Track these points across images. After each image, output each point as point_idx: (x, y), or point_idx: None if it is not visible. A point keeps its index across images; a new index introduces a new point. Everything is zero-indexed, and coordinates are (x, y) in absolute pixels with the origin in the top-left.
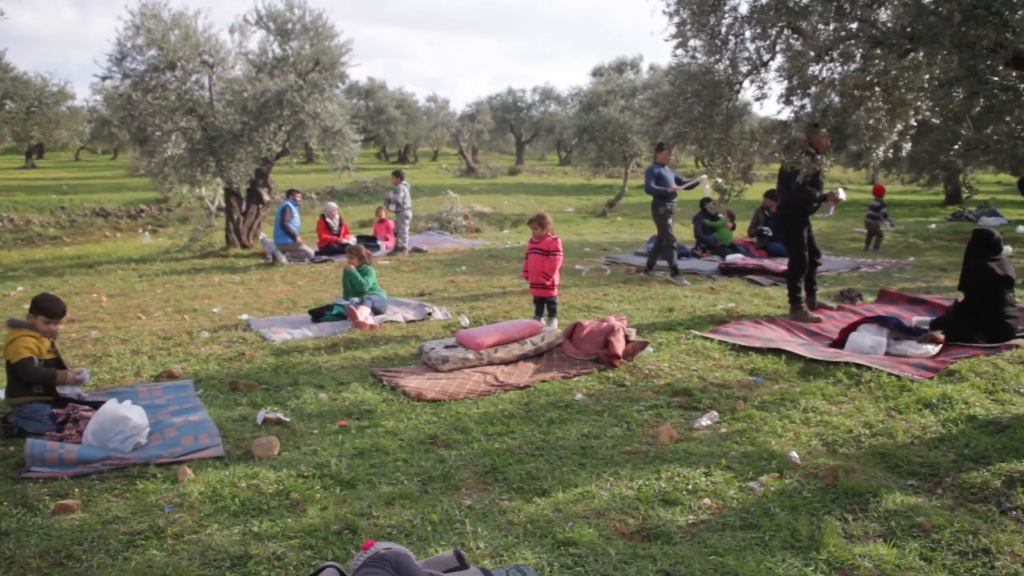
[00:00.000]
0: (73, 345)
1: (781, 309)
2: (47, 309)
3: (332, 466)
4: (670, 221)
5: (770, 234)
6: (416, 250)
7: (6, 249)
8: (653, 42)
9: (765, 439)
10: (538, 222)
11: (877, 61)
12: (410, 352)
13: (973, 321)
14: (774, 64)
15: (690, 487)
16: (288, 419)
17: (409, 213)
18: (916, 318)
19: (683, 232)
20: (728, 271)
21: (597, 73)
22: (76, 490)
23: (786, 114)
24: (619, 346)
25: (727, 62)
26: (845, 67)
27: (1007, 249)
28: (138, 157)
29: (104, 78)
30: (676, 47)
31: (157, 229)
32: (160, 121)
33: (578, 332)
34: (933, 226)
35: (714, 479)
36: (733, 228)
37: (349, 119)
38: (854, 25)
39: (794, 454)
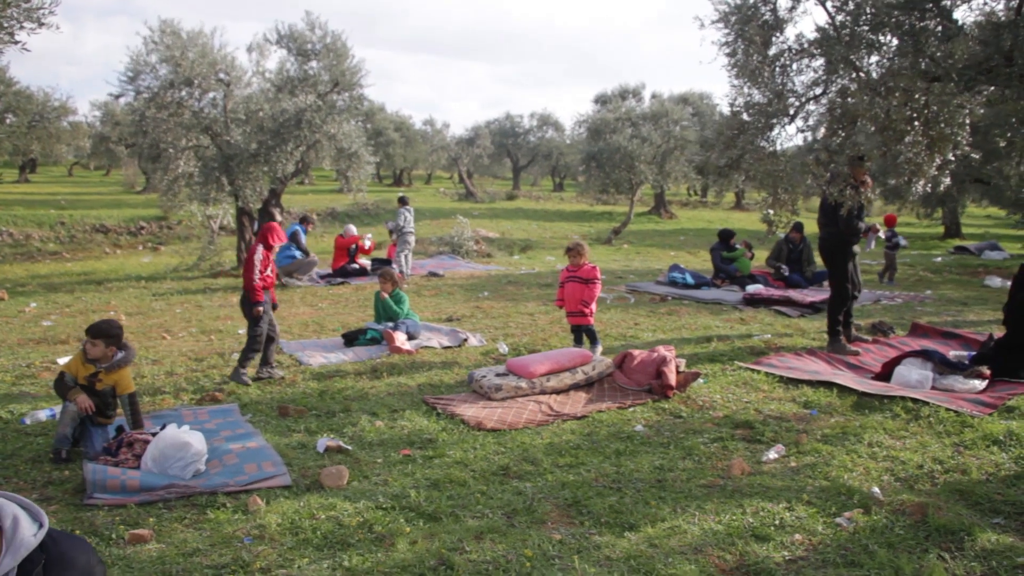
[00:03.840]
0: None
1: (816, 341)
2: (88, 328)
3: (412, 498)
4: None
5: (786, 273)
6: (432, 274)
7: (7, 264)
8: (652, 70)
9: (838, 474)
10: (576, 251)
11: (918, 96)
12: (455, 379)
13: (1018, 356)
14: (823, 97)
15: (777, 522)
16: (350, 448)
17: (410, 239)
18: (953, 352)
19: (692, 261)
20: (754, 302)
21: (601, 100)
22: (151, 519)
23: (831, 147)
24: (672, 377)
25: (774, 94)
26: (887, 101)
27: None
28: (135, 174)
29: (118, 96)
30: (734, 77)
31: (158, 247)
32: (173, 138)
33: (628, 362)
34: (939, 259)
35: (798, 514)
36: (751, 258)
37: (364, 141)
38: (906, 60)
39: (876, 490)
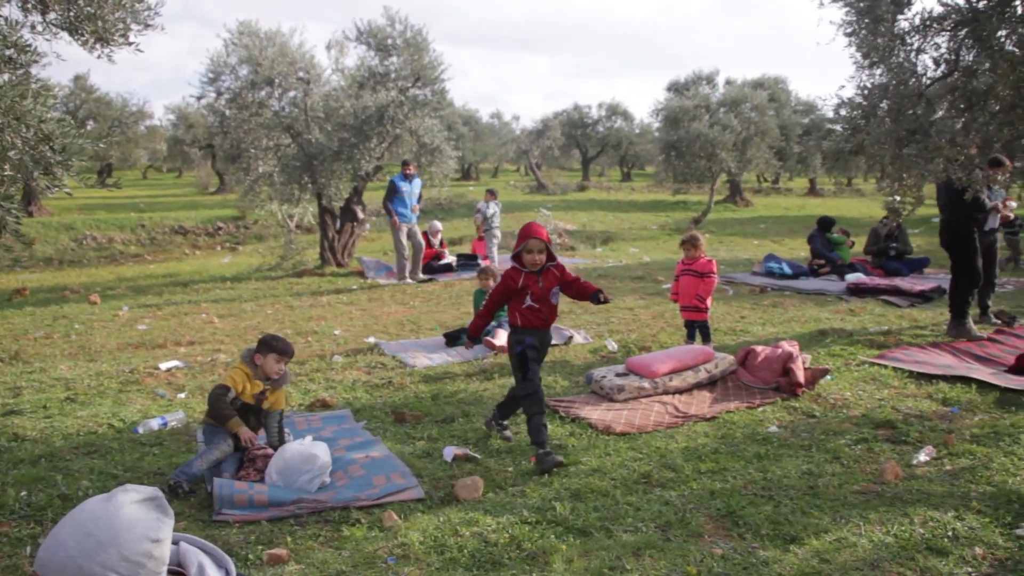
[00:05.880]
0: (204, 370)
1: (936, 333)
2: (278, 347)
3: (557, 511)
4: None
5: (892, 252)
6: None
7: (93, 267)
8: (714, 57)
9: (1001, 478)
10: (691, 243)
11: None
12: (569, 379)
13: None
14: (950, 76)
15: (950, 533)
16: (478, 456)
17: (497, 232)
18: None
19: (778, 250)
20: (859, 291)
21: (674, 88)
22: (287, 538)
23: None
24: (801, 374)
25: (904, 74)
26: (1016, 75)
27: None
28: (208, 175)
29: (199, 97)
30: (860, 58)
31: (236, 247)
32: (254, 139)
33: (752, 359)
34: None
35: (970, 524)
36: (852, 246)
37: (446, 136)
38: None
39: None
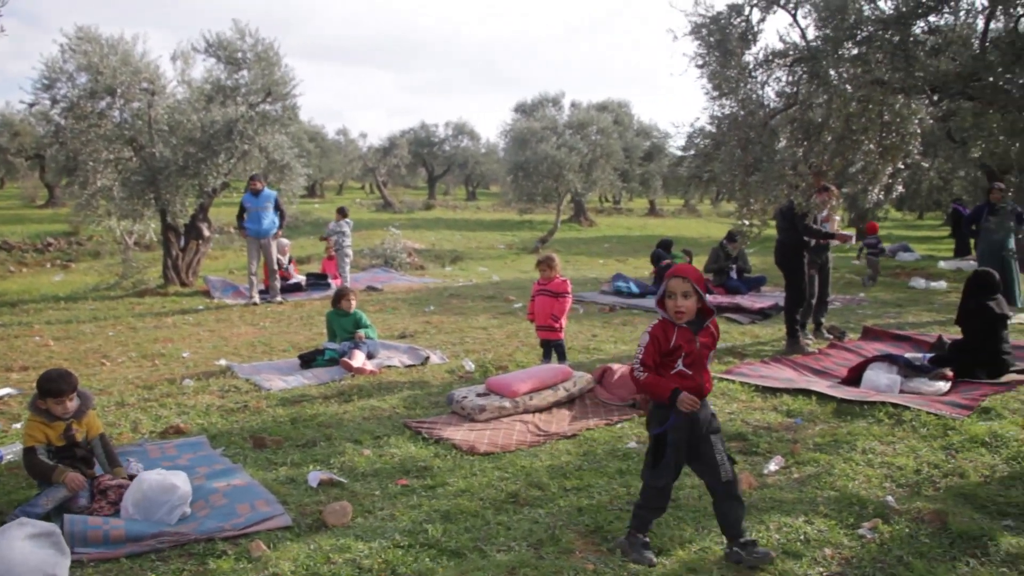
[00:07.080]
0: None
1: (775, 347)
2: (50, 389)
3: (429, 533)
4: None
5: (733, 275)
6: (371, 288)
7: None
8: (556, 79)
9: (843, 483)
10: (546, 263)
11: (872, 107)
12: (429, 400)
13: (974, 358)
14: (792, 108)
15: (802, 537)
16: (344, 480)
17: (349, 252)
18: (908, 355)
19: (624, 269)
20: None
21: (521, 109)
22: (150, 575)
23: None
24: None
25: (753, 105)
26: (845, 110)
27: (940, 284)
28: (36, 187)
29: (32, 104)
30: (711, 89)
31: (68, 264)
32: (93, 150)
33: (608, 377)
34: (857, 262)
35: (819, 528)
36: (691, 262)
37: (296, 153)
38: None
39: (890, 499)
